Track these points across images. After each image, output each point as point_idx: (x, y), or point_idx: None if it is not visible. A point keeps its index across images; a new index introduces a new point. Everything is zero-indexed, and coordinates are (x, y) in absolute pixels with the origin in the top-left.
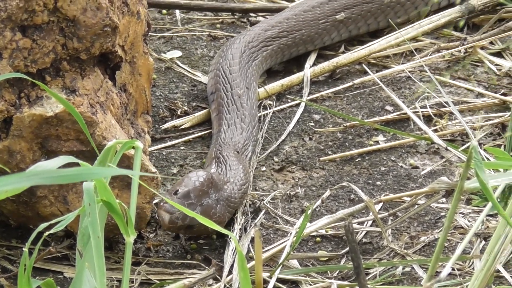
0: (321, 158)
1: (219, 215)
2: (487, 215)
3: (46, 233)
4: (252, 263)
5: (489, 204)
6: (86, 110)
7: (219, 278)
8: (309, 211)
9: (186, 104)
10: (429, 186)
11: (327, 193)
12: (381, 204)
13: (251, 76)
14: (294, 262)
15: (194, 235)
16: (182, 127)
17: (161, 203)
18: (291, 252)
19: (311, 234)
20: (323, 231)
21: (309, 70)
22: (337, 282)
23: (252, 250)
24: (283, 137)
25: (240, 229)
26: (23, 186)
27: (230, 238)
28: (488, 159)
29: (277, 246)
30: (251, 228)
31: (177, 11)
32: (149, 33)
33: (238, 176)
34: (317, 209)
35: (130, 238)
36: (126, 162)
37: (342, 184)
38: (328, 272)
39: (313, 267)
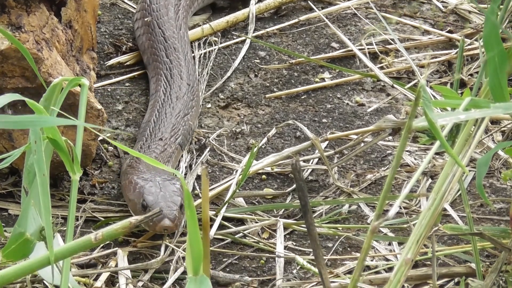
0: (267, 95)
1: None
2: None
3: None
4: (199, 201)
5: (437, 143)
6: (32, 47)
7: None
8: (255, 150)
9: (131, 40)
10: (375, 124)
11: (273, 131)
12: (327, 142)
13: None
14: (240, 200)
15: None
16: (127, 63)
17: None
18: (237, 190)
19: (257, 172)
20: (269, 169)
21: (254, 6)
22: (283, 220)
23: (197, 187)
24: (228, 74)
25: (185, 167)
26: None
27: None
28: (434, 97)
29: (223, 185)
30: (197, 165)
31: None
32: None
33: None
34: (263, 147)
35: (76, 175)
36: (71, 99)
37: (288, 122)
38: (274, 210)
39: (259, 206)
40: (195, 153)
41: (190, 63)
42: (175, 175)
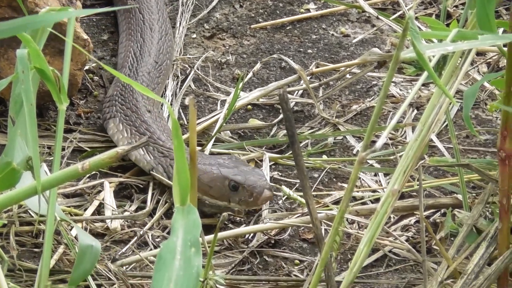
0: (252, 26)
1: None
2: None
3: None
4: (186, 136)
5: (424, 74)
6: None
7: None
8: (240, 85)
9: None
10: (360, 58)
11: (258, 65)
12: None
13: None
14: (226, 133)
15: None
16: None
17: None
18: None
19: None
20: (254, 99)
21: None
22: (269, 154)
23: (183, 117)
24: (213, 3)
25: (171, 95)
26: None
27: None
28: (420, 28)
29: (209, 119)
30: (181, 92)
31: None
32: None
33: None
34: (248, 77)
35: (62, 105)
36: (58, 29)
37: (273, 56)
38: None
39: (246, 141)
40: (180, 83)
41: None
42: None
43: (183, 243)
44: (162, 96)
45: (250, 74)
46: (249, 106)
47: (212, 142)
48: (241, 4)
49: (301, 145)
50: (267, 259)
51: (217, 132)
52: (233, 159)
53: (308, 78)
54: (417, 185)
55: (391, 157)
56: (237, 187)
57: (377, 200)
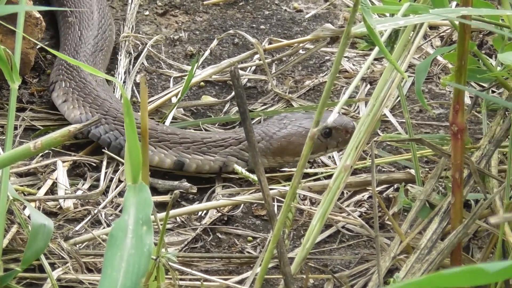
0: (205, 2)
1: None
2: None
3: None
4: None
5: (376, 49)
6: None
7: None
8: (196, 64)
9: None
10: (313, 33)
11: (215, 42)
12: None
13: None
14: (180, 110)
15: None
16: None
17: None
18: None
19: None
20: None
21: None
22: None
23: (137, 94)
24: None
25: (124, 72)
26: None
27: (115, 84)
28: (373, 3)
29: (162, 98)
30: (134, 70)
31: None
32: None
33: None
34: (200, 53)
35: (15, 84)
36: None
37: (229, 32)
38: (212, 116)
39: (200, 119)
40: (132, 60)
41: None
42: None
43: (135, 221)
44: (113, 73)
45: (207, 51)
46: (202, 83)
47: (169, 120)
48: None
49: (254, 121)
50: (220, 236)
51: (171, 110)
52: (292, 115)
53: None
54: (370, 161)
55: None
56: (330, 132)
57: (330, 176)
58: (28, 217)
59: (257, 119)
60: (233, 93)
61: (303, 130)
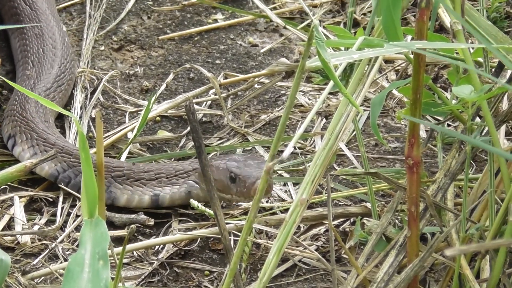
0: (160, 37)
1: None
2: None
3: None
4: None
5: (331, 83)
6: None
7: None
8: (153, 99)
9: None
10: (268, 68)
11: (171, 76)
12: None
13: None
14: (135, 145)
15: None
16: None
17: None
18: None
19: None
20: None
21: None
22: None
23: (93, 129)
24: (121, 16)
25: (81, 107)
26: None
27: (71, 119)
28: (328, 37)
29: (118, 133)
30: (90, 105)
31: None
32: None
33: None
34: (156, 88)
35: None
36: None
37: (185, 66)
38: (168, 151)
39: (157, 155)
40: (89, 95)
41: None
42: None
43: (92, 255)
44: (69, 108)
45: (163, 86)
46: (158, 118)
47: (125, 155)
48: (149, 15)
49: (210, 155)
50: (177, 270)
51: (128, 146)
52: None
53: None
54: (326, 194)
55: (301, 167)
56: (234, 178)
57: (286, 210)
58: None
59: (212, 153)
60: (188, 128)
61: (221, 167)
